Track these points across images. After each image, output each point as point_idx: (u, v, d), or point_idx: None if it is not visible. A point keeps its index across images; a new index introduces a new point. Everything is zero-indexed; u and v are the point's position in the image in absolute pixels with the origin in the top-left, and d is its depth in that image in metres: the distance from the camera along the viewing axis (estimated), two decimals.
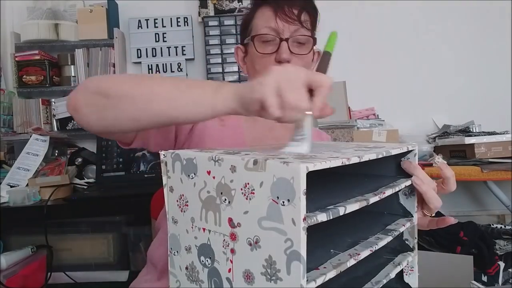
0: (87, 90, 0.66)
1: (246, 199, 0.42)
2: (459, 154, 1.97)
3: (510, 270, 1.67)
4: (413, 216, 0.64)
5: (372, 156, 0.49)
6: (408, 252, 0.65)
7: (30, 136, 1.96)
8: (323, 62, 0.66)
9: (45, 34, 2.25)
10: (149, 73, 2.39)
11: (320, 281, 0.40)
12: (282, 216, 0.38)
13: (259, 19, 0.90)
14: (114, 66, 2.29)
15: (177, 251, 0.53)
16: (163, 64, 2.38)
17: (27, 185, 1.81)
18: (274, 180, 0.39)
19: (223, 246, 0.46)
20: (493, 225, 1.91)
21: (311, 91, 0.53)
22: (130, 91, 0.63)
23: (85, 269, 1.84)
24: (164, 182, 0.55)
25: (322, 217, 0.39)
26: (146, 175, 1.98)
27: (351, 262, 0.45)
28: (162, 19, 2.38)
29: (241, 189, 0.43)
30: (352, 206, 0.44)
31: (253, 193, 0.41)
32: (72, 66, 2.31)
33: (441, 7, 2.43)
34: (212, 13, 2.35)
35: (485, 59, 2.42)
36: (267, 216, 0.40)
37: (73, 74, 2.31)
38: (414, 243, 0.65)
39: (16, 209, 1.66)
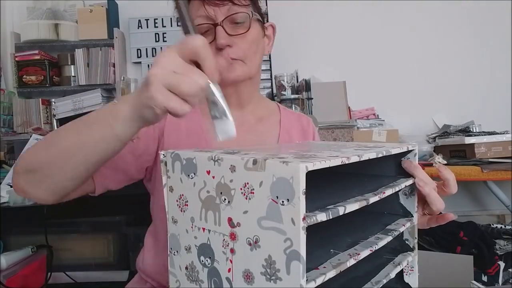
0: (18, 174, 0.65)
1: (246, 198, 0.42)
2: (459, 154, 1.97)
3: (510, 270, 1.67)
4: (413, 216, 0.64)
5: (372, 155, 0.49)
6: (408, 252, 0.64)
7: (30, 136, 1.96)
8: (181, 15, 0.62)
9: (45, 34, 2.25)
10: None
11: (320, 281, 0.40)
12: (281, 215, 0.38)
13: (192, 12, 0.82)
14: (114, 66, 2.29)
15: (177, 251, 0.53)
16: None
17: None
18: (273, 179, 0.39)
19: (222, 246, 0.46)
20: (493, 225, 1.91)
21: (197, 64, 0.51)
22: (45, 158, 0.62)
23: (85, 269, 1.84)
24: (164, 182, 0.55)
25: (321, 216, 0.39)
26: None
27: (351, 262, 0.45)
28: (162, 19, 2.38)
29: (241, 188, 0.43)
30: (352, 206, 0.44)
31: (253, 192, 0.41)
32: (72, 66, 2.31)
33: (441, 7, 2.43)
34: None
35: (485, 59, 2.42)
36: (266, 216, 0.40)
37: (73, 74, 2.31)
38: (414, 243, 0.65)
39: (16, 209, 1.66)
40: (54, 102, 2.27)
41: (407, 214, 0.65)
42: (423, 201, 0.65)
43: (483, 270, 1.64)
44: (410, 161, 0.63)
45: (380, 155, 0.51)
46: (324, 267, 0.42)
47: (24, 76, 2.24)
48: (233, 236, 0.44)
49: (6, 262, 1.53)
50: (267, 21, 0.86)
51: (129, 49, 2.42)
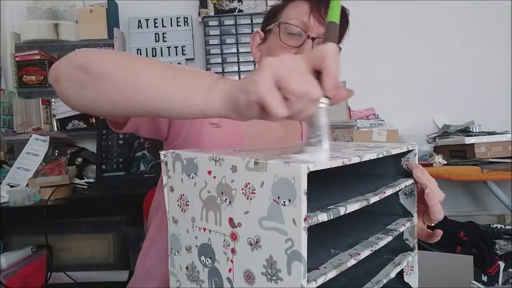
0: (71, 62, 0.60)
1: (247, 199, 0.42)
2: (459, 154, 1.97)
3: (510, 270, 1.67)
4: (413, 216, 0.64)
5: (372, 156, 0.49)
6: (408, 252, 0.65)
7: (30, 136, 1.96)
8: (329, 33, 0.51)
9: (45, 34, 2.25)
10: None
11: (320, 281, 0.40)
12: (282, 216, 0.38)
13: (292, 10, 0.88)
14: None
15: (178, 251, 0.53)
16: None
17: (27, 185, 1.81)
18: (275, 180, 0.39)
19: (223, 246, 0.45)
20: (493, 225, 1.91)
21: (318, 76, 0.44)
22: (111, 70, 0.56)
23: (85, 269, 1.84)
24: (164, 182, 0.55)
25: (322, 217, 0.39)
26: (146, 175, 1.98)
27: (352, 262, 0.45)
28: (162, 19, 2.38)
29: (242, 189, 0.43)
30: (353, 206, 0.44)
31: (254, 193, 0.41)
32: None
33: (441, 7, 2.43)
34: (212, 13, 2.35)
35: (485, 59, 2.42)
36: (267, 216, 0.40)
37: None
38: (414, 243, 0.65)
39: (16, 209, 1.66)
40: (54, 102, 2.27)
41: (407, 214, 0.65)
42: (424, 210, 0.64)
43: (483, 270, 1.64)
44: (422, 172, 0.62)
45: (380, 156, 0.52)
46: (325, 267, 0.42)
47: (24, 76, 2.24)
48: (234, 236, 0.44)
49: (6, 262, 1.53)
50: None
51: (129, 49, 2.42)
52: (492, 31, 2.42)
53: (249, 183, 0.42)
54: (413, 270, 0.66)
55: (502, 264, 1.66)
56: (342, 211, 0.42)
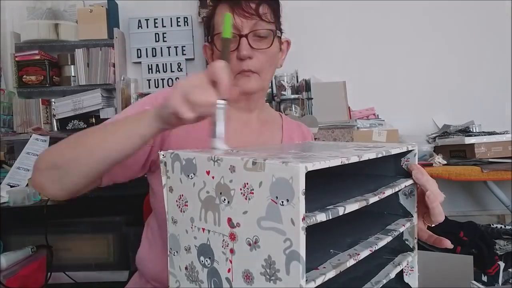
0: (41, 170, 0.70)
1: (245, 199, 0.42)
2: (459, 154, 1.97)
3: (510, 270, 1.67)
4: (413, 216, 0.64)
5: (371, 155, 0.49)
6: (408, 252, 0.64)
7: (30, 136, 1.96)
8: (223, 48, 0.68)
9: (45, 34, 2.25)
10: (149, 72, 2.39)
11: (319, 281, 0.40)
12: (281, 216, 0.38)
13: (218, 17, 0.88)
14: (114, 66, 2.29)
15: (177, 251, 0.53)
16: (163, 64, 2.38)
17: (27, 185, 1.81)
18: (273, 180, 0.39)
19: (222, 246, 0.46)
20: (493, 225, 1.90)
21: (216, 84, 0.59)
22: (70, 154, 0.68)
23: (85, 269, 1.83)
24: (163, 182, 0.55)
25: (321, 217, 0.39)
26: (146, 175, 1.97)
27: (351, 262, 0.45)
28: (162, 19, 2.38)
29: (240, 189, 0.43)
30: (352, 206, 0.44)
31: (252, 193, 0.41)
32: (72, 66, 2.31)
33: (441, 7, 2.43)
34: None
35: (485, 59, 2.42)
36: (266, 216, 0.40)
37: (73, 74, 2.32)
38: (414, 243, 0.65)
39: (16, 209, 1.66)
40: (54, 102, 2.27)
41: (407, 214, 0.65)
42: (424, 211, 0.64)
43: (483, 270, 1.64)
44: (422, 174, 0.62)
45: (380, 155, 0.52)
46: (324, 267, 0.42)
47: (24, 76, 2.24)
48: (232, 237, 0.44)
49: (6, 262, 1.53)
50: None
51: (129, 49, 2.42)
52: (492, 31, 2.42)
53: (247, 183, 0.42)
54: (413, 270, 0.66)
55: (502, 264, 1.66)
56: (341, 211, 0.42)
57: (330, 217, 0.40)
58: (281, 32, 0.92)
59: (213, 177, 0.46)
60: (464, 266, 1.49)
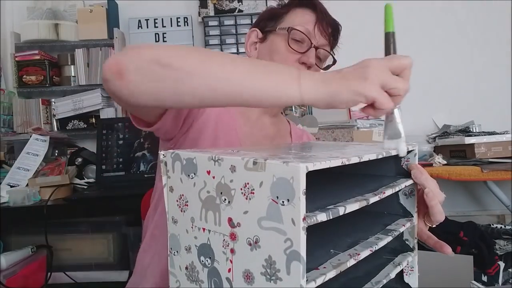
0: (142, 56, 0.57)
1: (246, 199, 0.42)
2: (459, 154, 1.97)
3: (510, 270, 1.67)
4: (413, 216, 0.64)
5: (372, 156, 0.49)
6: (408, 252, 0.64)
7: (30, 136, 1.96)
8: (389, 44, 0.65)
9: (45, 34, 2.25)
10: None
11: (320, 281, 0.40)
12: (281, 216, 0.38)
13: (297, 17, 0.92)
14: None
15: (177, 251, 0.53)
16: None
17: (27, 185, 1.81)
18: (274, 180, 0.39)
19: (223, 246, 0.46)
20: (493, 225, 1.90)
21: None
22: (199, 66, 0.56)
23: (85, 269, 1.84)
24: (164, 182, 0.55)
25: (322, 217, 0.39)
26: (146, 175, 1.97)
27: (351, 262, 0.45)
28: (162, 19, 2.38)
29: (241, 189, 0.43)
30: (352, 206, 0.44)
31: (253, 193, 0.42)
32: (72, 66, 2.31)
33: (441, 7, 2.43)
34: (212, 13, 2.35)
35: (485, 59, 2.42)
36: (266, 216, 0.40)
37: (73, 74, 2.32)
38: (414, 243, 0.65)
39: (16, 209, 1.66)
40: (54, 102, 2.27)
41: (407, 214, 0.65)
42: (425, 211, 0.64)
43: (483, 270, 1.64)
44: (421, 172, 0.62)
45: (380, 156, 0.52)
46: (324, 267, 0.42)
47: (24, 76, 2.24)
48: (233, 236, 0.44)
49: (6, 262, 1.53)
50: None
51: None
52: (492, 31, 2.42)
53: (248, 183, 0.42)
54: (413, 270, 0.66)
55: (502, 264, 1.66)
56: (341, 211, 0.42)
57: (331, 217, 0.40)
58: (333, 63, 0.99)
59: (213, 177, 0.46)
60: (464, 266, 1.49)
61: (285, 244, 0.38)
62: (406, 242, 0.66)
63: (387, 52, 0.64)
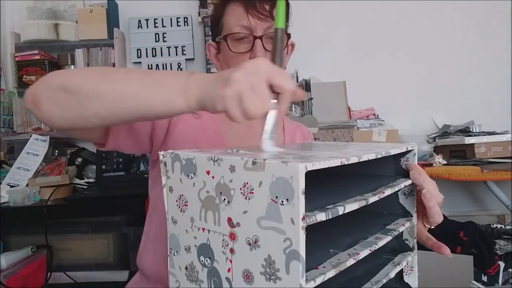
0: (49, 86, 0.62)
1: (245, 198, 0.42)
2: (459, 154, 1.97)
3: (510, 270, 1.67)
4: (412, 216, 0.64)
5: (371, 156, 0.49)
6: (408, 252, 0.65)
7: (30, 136, 1.96)
8: (276, 40, 0.62)
9: (45, 34, 2.25)
10: None
11: (319, 280, 0.40)
12: (281, 215, 0.39)
13: (230, 16, 0.88)
14: (114, 66, 2.29)
15: (177, 251, 0.53)
16: (163, 64, 2.38)
17: (27, 185, 1.81)
18: (273, 179, 0.39)
19: (222, 246, 0.46)
20: (493, 225, 1.91)
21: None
22: (94, 88, 0.60)
23: (85, 269, 1.84)
24: (163, 182, 0.55)
25: (321, 216, 0.39)
26: (146, 175, 1.96)
27: (351, 261, 0.45)
28: (162, 19, 2.38)
29: (240, 188, 0.43)
30: (351, 206, 0.44)
31: (252, 192, 0.42)
32: (72, 66, 2.31)
33: (441, 7, 2.43)
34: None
35: (485, 59, 2.42)
36: (266, 216, 0.40)
37: None
38: (414, 243, 0.65)
39: (16, 209, 1.66)
40: None
41: (407, 214, 0.65)
42: (423, 213, 0.63)
43: (483, 270, 1.64)
44: (419, 173, 0.61)
45: (379, 156, 0.52)
46: (324, 267, 0.42)
47: (24, 76, 2.24)
48: (232, 236, 0.44)
49: (6, 262, 1.53)
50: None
51: (129, 49, 2.42)
52: (492, 31, 2.43)
53: (247, 183, 0.42)
54: (412, 270, 0.66)
55: (502, 264, 1.66)
56: (340, 210, 0.42)
57: (330, 217, 0.40)
58: (289, 37, 0.92)
59: (213, 177, 0.46)
60: (464, 266, 1.49)
61: (284, 244, 0.38)
62: (406, 242, 0.66)
63: (274, 47, 0.63)
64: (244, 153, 0.48)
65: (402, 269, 0.62)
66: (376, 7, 2.44)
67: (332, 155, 0.44)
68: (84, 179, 2.06)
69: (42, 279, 1.68)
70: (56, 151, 2.11)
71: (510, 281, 1.64)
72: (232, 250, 0.44)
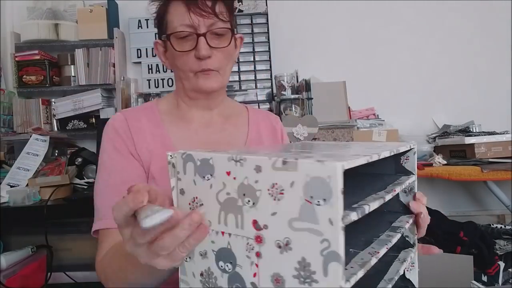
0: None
1: (274, 199, 0.41)
2: (459, 154, 1.97)
3: (510, 270, 1.67)
4: (413, 213, 0.65)
5: (386, 153, 0.49)
6: (410, 249, 0.65)
7: (30, 136, 1.96)
8: None
9: (45, 34, 2.25)
10: (149, 72, 2.38)
11: (353, 280, 0.39)
12: (317, 216, 0.37)
13: (172, 15, 0.86)
14: (114, 66, 2.29)
15: (190, 257, 0.51)
16: (163, 64, 2.37)
17: (27, 185, 1.81)
18: (307, 179, 0.38)
19: (246, 250, 0.44)
20: (493, 225, 1.91)
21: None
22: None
23: (85, 269, 1.83)
24: (172, 184, 0.52)
25: (353, 216, 0.39)
26: None
27: (374, 260, 0.44)
28: None
29: (268, 189, 0.41)
30: (374, 204, 0.43)
31: (282, 193, 0.40)
32: (72, 66, 2.31)
33: (441, 7, 2.44)
34: None
35: (485, 59, 2.43)
36: (299, 217, 0.39)
37: (73, 74, 2.31)
38: (415, 240, 0.65)
39: (16, 209, 1.66)
40: (54, 102, 2.27)
41: (407, 211, 0.65)
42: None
43: (483, 270, 1.64)
44: (418, 204, 0.63)
45: (392, 154, 0.52)
46: (352, 267, 0.42)
47: (24, 76, 2.24)
48: (259, 239, 0.43)
49: (6, 262, 1.52)
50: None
51: (129, 49, 2.42)
52: (492, 31, 2.43)
53: (276, 184, 0.40)
54: (413, 266, 0.66)
55: (502, 264, 1.67)
56: (366, 209, 0.41)
57: (360, 216, 0.40)
58: (236, 29, 0.92)
59: (234, 178, 0.44)
60: (464, 266, 1.49)
61: (321, 245, 0.37)
62: (407, 239, 0.66)
63: None
64: (266, 152, 0.46)
65: None
66: (376, 7, 2.45)
67: (354, 153, 0.44)
68: (84, 179, 2.05)
69: (42, 279, 1.68)
70: (56, 151, 2.11)
71: (510, 281, 1.64)
72: (258, 254, 0.43)
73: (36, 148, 1.94)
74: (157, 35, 0.96)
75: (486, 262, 1.64)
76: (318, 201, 0.37)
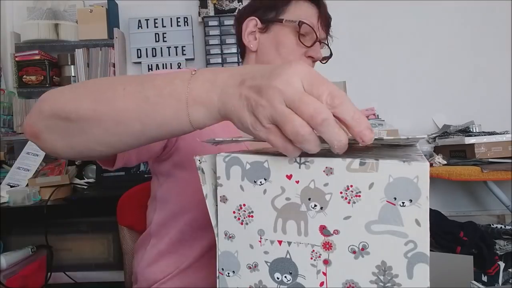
0: (42, 114, 0.53)
1: (349, 203, 0.39)
2: (459, 154, 1.97)
3: (510, 270, 1.67)
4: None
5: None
6: None
7: None
8: None
9: (45, 34, 2.25)
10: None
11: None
12: (401, 217, 0.37)
13: (301, 10, 0.91)
14: (114, 66, 2.29)
15: (234, 271, 0.46)
16: (163, 64, 2.38)
17: (27, 185, 1.81)
18: (390, 180, 0.37)
19: (311, 258, 0.41)
20: (493, 225, 1.90)
21: None
22: (91, 112, 0.50)
23: (85, 269, 1.84)
24: (204, 192, 0.46)
25: None
26: (146, 175, 1.98)
27: None
28: (162, 19, 2.38)
29: (341, 192, 0.39)
30: None
31: (359, 196, 0.38)
32: (72, 66, 2.31)
33: (441, 7, 2.43)
34: (212, 13, 2.35)
35: (485, 59, 2.42)
36: (378, 219, 0.38)
37: (73, 74, 2.31)
38: None
39: (16, 209, 1.66)
40: None
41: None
42: None
43: (483, 270, 1.64)
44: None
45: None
46: None
47: (24, 76, 2.24)
48: (327, 246, 0.41)
49: (6, 262, 1.53)
50: None
51: (129, 49, 2.42)
52: (492, 31, 2.42)
53: (351, 186, 0.39)
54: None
55: (502, 264, 1.66)
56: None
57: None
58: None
59: (297, 182, 0.41)
60: (464, 266, 1.49)
61: (405, 247, 0.36)
62: None
63: None
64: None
65: None
66: (376, 7, 2.44)
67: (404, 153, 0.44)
68: (84, 179, 2.05)
69: (42, 279, 1.68)
70: None
71: (510, 281, 1.64)
72: (326, 261, 0.41)
73: (36, 148, 1.94)
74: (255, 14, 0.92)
75: (486, 262, 1.64)
76: (403, 202, 0.36)
